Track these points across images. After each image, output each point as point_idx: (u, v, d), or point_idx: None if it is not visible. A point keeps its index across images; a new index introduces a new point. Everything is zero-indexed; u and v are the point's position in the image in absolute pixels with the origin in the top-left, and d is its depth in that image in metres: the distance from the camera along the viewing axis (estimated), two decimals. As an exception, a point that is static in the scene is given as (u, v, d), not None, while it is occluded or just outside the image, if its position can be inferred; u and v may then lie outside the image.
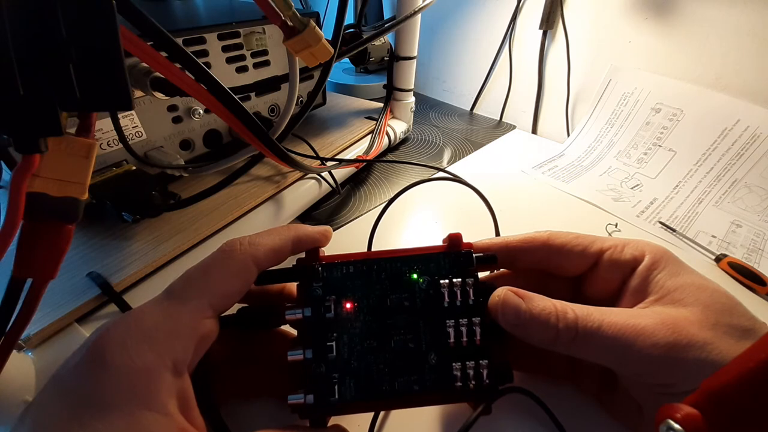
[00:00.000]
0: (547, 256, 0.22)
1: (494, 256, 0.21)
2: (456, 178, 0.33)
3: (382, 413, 0.22)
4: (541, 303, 0.19)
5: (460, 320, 0.20)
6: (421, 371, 0.19)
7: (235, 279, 0.18)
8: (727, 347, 0.16)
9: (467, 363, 0.19)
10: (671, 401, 0.13)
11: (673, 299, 0.18)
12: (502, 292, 0.19)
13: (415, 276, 0.20)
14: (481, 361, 0.19)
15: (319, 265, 0.20)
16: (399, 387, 0.19)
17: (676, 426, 0.12)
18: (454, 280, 0.20)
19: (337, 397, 0.18)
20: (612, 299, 0.21)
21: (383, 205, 0.29)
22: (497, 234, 0.29)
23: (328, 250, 0.22)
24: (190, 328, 0.16)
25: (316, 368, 0.19)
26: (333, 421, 0.19)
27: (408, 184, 0.30)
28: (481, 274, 0.23)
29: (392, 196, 0.29)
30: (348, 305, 0.20)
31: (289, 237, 0.20)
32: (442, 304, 0.20)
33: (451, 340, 0.19)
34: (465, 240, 0.21)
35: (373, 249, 0.25)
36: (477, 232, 0.28)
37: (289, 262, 0.21)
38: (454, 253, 0.21)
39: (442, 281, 0.20)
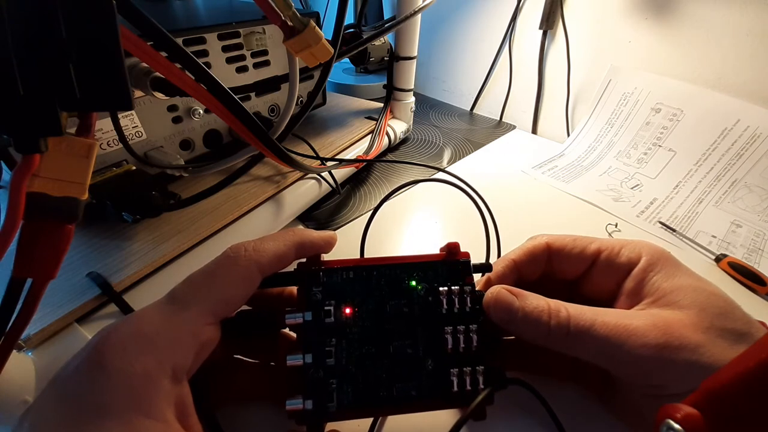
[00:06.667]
0: (548, 262, 0.23)
1: (490, 264, 0.22)
2: (446, 180, 0.31)
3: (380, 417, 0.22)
4: (535, 301, 0.19)
5: (458, 327, 0.20)
6: (419, 377, 0.19)
7: (239, 286, 0.18)
8: (720, 351, 0.16)
9: (464, 369, 0.19)
10: (664, 403, 0.13)
11: (668, 301, 0.18)
12: (495, 290, 0.20)
13: (414, 283, 0.20)
14: (477, 367, 0.19)
15: (319, 269, 0.20)
16: (397, 392, 0.19)
17: (676, 426, 0.12)
18: (452, 287, 0.20)
19: (334, 403, 0.18)
20: (608, 301, 0.21)
21: (372, 211, 0.29)
22: (496, 233, 0.29)
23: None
24: (191, 334, 0.16)
25: (314, 374, 0.18)
26: (330, 426, 0.19)
27: (400, 184, 0.29)
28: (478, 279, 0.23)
29: (379, 201, 0.29)
30: (347, 310, 0.20)
31: (293, 243, 0.20)
32: (440, 311, 0.20)
33: (449, 346, 0.20)
34: (465, 248, 0.22)
35: (373, 250, 0.25)
36: (477, 231, 0.28)
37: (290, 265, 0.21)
38: (452, 262, 0.21)
39: (441, 288, 0.20)
